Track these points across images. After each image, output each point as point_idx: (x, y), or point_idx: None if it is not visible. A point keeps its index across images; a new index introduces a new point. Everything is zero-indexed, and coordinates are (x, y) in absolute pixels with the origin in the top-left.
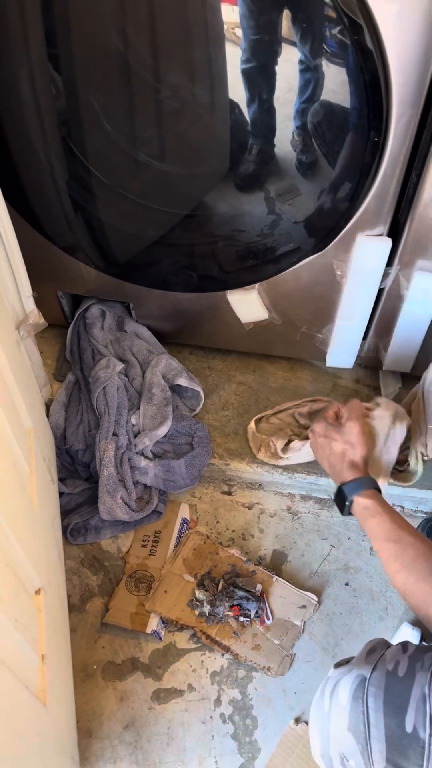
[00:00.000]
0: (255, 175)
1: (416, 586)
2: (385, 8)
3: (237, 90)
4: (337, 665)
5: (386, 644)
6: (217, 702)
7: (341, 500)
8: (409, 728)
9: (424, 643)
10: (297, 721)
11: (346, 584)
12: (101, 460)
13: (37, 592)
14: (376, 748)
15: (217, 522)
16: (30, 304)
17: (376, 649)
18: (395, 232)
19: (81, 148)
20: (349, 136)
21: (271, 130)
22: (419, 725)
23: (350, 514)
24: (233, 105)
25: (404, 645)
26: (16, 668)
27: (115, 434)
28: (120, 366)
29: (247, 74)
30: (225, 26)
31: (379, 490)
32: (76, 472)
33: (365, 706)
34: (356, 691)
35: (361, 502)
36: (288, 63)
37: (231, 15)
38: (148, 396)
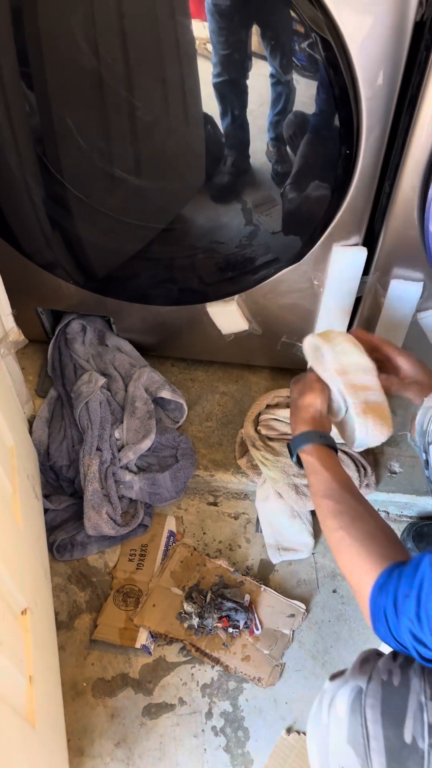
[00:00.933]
0: (231, 186)
1: (350, 549)
2: (353, 23)
3: (211, 103)
4: (332, 678)
5: (378, 654)
6: (209, 715)
7: (291, 453)
8: (408, 739)
9: None
10: (289, 731)
11: (334, 591)
12: (85, 475)
13: (24, 612)
14: (377, 761)
15: (204, 533)
16: (9, 322)
17: (369, 660)
18: (371, 241)
19: (57, 166)
20: (321, 149)
21: (245, 143)
22: (418, 735)
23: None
24: (207, 118)
25: (394, 654)
26: (3, 691)
27: (98, 449)
28: (102, 380)
29: (219, 88)
30: (196, 42)
31: (332, 446)
32: (61, 488)
33: (363, 718)
34: (353, 703)
35: (304, 458)
36: (260, 77)
37: (202, 31)
38: (131, 409)
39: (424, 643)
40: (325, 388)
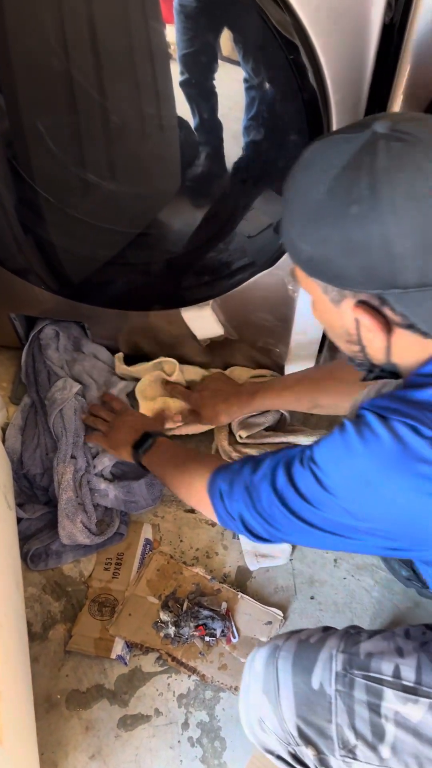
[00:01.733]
0: (207, 191)
1: (184, 475)
2: (320, 26)
3: (186, 107)
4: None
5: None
6: (185, 725)
7: (144, 442)
8: (315, 685)
9: None
10: None
11: (312, 598)
12: (59, 483)
13: None
14: (286, 705)
15: (181, 541)
16: None
17: (299, 631)
18: None
19: (28, 170)
20: (292, 153)
21: (217, 147)
22: (325, 682)
23: (142, 465)
24: (182, 122)
25: (326, 627)
26: None
27: (73, 456)
28: (77, 387)
29: (184, 88)
30: (171, 47)
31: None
32: (35, 496)
33: (275, 669)
34: (269, 658)
35: (160, 440)
36: (235, 81)
37: (172, 34)
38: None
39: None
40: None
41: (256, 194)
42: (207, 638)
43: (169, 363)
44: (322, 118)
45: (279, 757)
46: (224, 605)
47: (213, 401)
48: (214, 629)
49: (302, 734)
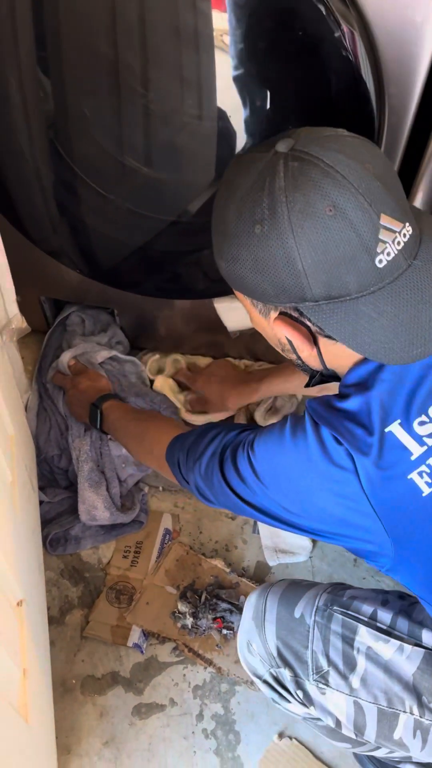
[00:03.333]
0: None
1: (152, 436)
2: (382, 17)
3: (226, 99)
4: None
5: None
6: (200, 717)
7: (95, 414)
8: (297, 614)
9: None
10: (281, 736)
11: None
12: (78, 457)
13: (19, 603)
14: (269, 629)
15: (201, 533)
16: (14, 309)
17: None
18: None
19: (68, 151)
20: None
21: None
22: (306, 613)
23: (103, 430)
24: (221, 114)
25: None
26: None
27: (87, 430)
28: (68, 355)
29: (238, 81)
30: (215, 33)
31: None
32: (55, 480)
33: (265, 600)
34: (261, 592)
35: (108, 405)
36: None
37: (220, 22)
38: (118, 385)
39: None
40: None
41: None
42: (224, 631)
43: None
44: (375, 110)
45: (265, 682)
46: (243, 599)
47: (221, 387)
48: (232, 622)
49: (281, 656)
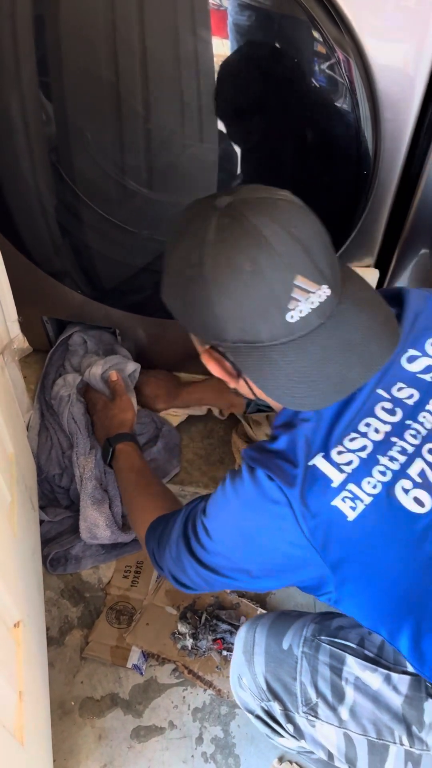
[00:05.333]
0: None
1: (137, 508)
2: (377, 45)
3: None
4: None
5: None
6: (199, 740)
7: (107, 450)
8: (285, 646)
9: None
10: (281, 760)
11: None
12: (82, 476)
13: (16, 625)
14: (257, 661)
15: None
16: (15, 329)
17: None
18: (383, 263)
19: (70, 174)
20: (338, 169)
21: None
22: (294, 644)
23: (110, 465)
24: (222, 135)
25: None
26: None
27: (92, 448)
28: (78, 378)
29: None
30: (215, 59)
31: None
32: (56, 499)
33: (254, 632)
34: (251, 624)
35: (120, 448)
36: (278, 97)
37: (220, 48)
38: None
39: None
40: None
41: None
42: (225, 652)
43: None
44: (372, 135)
45: (258, 717)
46: (243, 620)
47: (153, 387)
48: (232, 644)
49: (270, 689)
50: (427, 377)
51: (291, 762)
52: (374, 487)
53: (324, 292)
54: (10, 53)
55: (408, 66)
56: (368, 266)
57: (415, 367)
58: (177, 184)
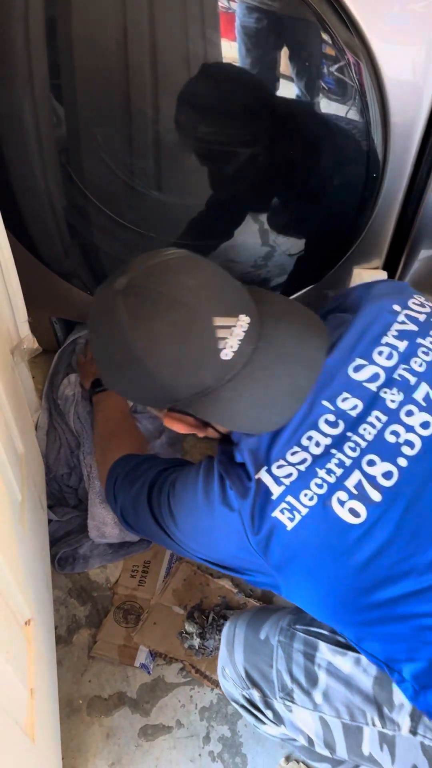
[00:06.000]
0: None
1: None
2: (387, 49)
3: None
4: None
5: None
6: (206, 739)
7: (95, 386)
8: (262, 636)
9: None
10: (288, 759)
11: None
12: (89, 475)
13: (27, 622)
14: (237, 652)
15: None
16: (25, 329)
17: None
18: (391, 266)
19: (80, 176)
20: (347, 172)
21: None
22: (271, 635)
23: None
24: (231, 138)
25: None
26: (6, 702)
27: None
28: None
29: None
30: (224, 62)
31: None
32: (64, 499)
33: (234, 626)
34: (232, 620)
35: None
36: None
37: (229, 50)
38: None
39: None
40: None
41: (302, 212)
42: None
43: None
44: (381, 139)
45: (242, 706)
46: None
47: (91, 366)
48: None
49: (249, 677)
50: (372, 386)
51: (298, 761)
52: (311, 499)
53: (243, 321)
54: (23, 56)
55: (417, 69)
56: (376, 268)
57: (361, 376)
58: (184, 186)
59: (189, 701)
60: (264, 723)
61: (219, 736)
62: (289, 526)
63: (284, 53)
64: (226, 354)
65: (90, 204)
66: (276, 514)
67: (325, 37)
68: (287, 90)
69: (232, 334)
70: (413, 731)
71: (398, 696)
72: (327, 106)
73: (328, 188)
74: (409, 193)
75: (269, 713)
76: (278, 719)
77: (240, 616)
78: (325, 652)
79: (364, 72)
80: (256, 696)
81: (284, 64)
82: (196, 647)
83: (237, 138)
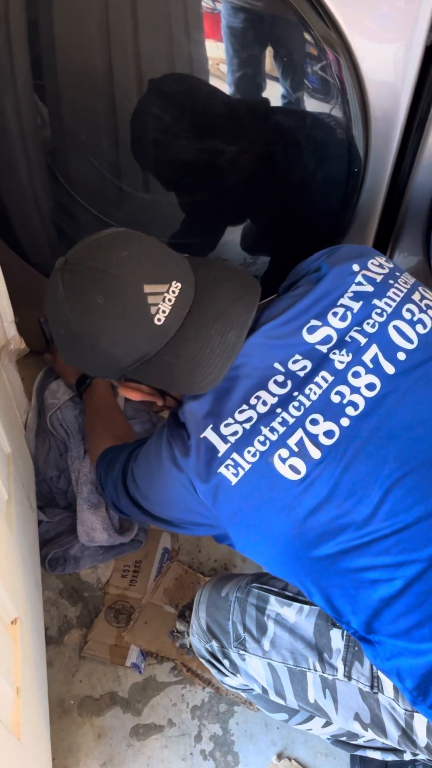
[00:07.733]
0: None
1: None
2: (366, 45)
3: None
4: None
5: None
6: (198, 738)
7: (83, 381)
8: (223, 594)
9: None
10: (279, 756)
11: None
12: (78, 479)
13: (13, 622)
14: (201, 609)
15: (199, 551)
16: (12, 330)
17: None
18: None
19: (65, 176)
20: (329, 168)
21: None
22: (230, 592)
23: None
24: (215, 136)
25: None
26: None
27: (86, 452)
28: (68, 395)
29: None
30: (209, 62)
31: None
32: (55, 500)
33: (202, 590)
34: (204, 585)
35: (98, 381)
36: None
37: (215, 51)
38: None
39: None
40: None
41: (288, 207)
42: None
43: None
44: (361, 134)
45: (206, 660)
46: None
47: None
48: None
49: (210, 630)
50: (323, 348)
51: (290, 759)
52: (254, 455)
53: (175, 287)
54: (5, 56)
55: (397, 65)
56: None
57: (313, 338)
58: (172, 186)
59: (180, 700)
60: (226, 675)
61: (211, 734)
62: (234, 481)
63: (267, 52)
64: (159, 319)
65: (76, 204)
66: (221, 470)
67: (305, 34)
68: (271, 89)
69: (164, 300)
70: (348, 676)
71: (336, 642)
72: (308, 102)
73: (311, 184)
74: (392, 188)
75: (226, 662)
76: (234, 669)
77: (209, 581)
78: (274, 604)
79: (344, 69)
80: (215, 647)
81: (266, 63)
82: (188, 646)
83: (221, 137)
